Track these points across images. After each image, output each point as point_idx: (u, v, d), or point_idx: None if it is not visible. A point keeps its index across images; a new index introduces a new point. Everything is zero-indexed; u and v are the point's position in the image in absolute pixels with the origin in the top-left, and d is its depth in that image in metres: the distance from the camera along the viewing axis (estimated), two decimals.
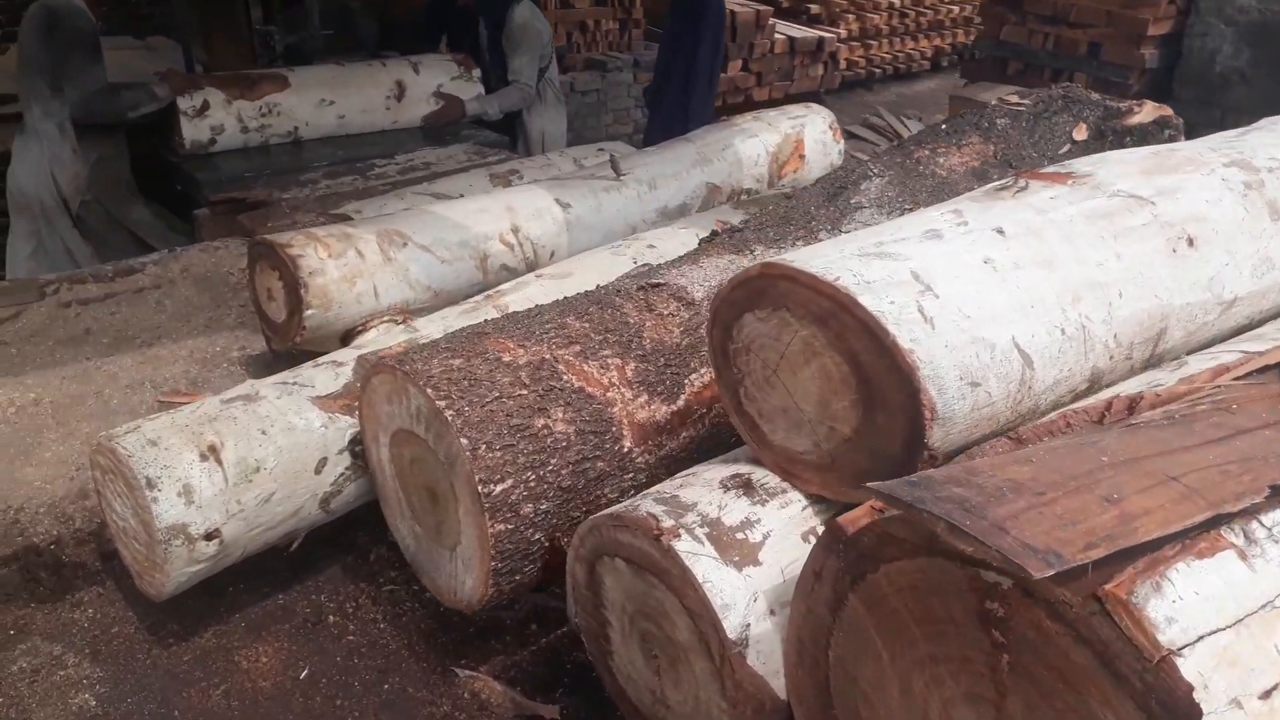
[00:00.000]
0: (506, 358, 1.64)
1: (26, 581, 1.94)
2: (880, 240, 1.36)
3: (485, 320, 1.82)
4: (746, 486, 1.39)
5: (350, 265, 2.36)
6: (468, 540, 1.58)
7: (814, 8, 8.53)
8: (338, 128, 4.03)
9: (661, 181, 3.09)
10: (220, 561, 1.73)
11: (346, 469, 1.86)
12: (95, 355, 2.66)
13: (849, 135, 4.62)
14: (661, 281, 1.89)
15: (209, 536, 1.66)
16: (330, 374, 1.93)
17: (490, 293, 2.34)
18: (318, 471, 1.82)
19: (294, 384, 1.88)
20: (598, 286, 1.97)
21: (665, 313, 1.81)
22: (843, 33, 8.59)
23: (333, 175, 3.60)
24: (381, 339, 2.13)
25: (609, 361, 1.69)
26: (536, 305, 1.90)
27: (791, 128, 3.52)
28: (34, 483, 2.21)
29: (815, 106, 3.76)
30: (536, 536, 1.56)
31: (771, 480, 1.40)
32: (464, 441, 1.50)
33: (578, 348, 1.70)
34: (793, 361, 1.33)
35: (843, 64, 8.57)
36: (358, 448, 1.86)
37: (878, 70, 9.04)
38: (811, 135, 3.55)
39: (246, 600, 1.93)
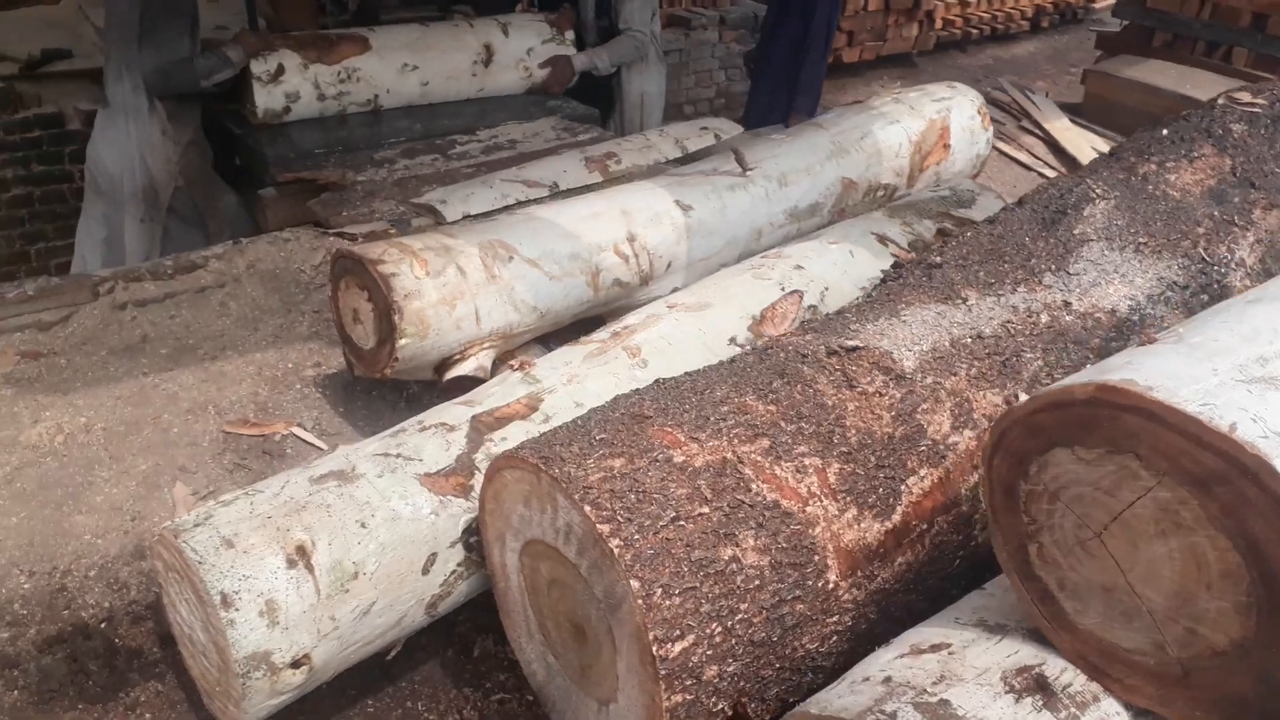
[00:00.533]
0: (679, 457, 1.25)
1: (74, 674, 1.63)
2: (1264, 355, 0.95)
3: (639, 394, 1.43)
4: (1042, 689, 0.99)
5: (450, 285, 1.98)
6: (628, 703, 1.21)
7: None
8: (420, 96, 3.54)
9: (793, 177, 2.65)
10: (307, 689, 1.39)
11: (459, 565, 1.50)
12: (153, 369, 2.33)
13: None
14: (858, 345, 1.48)
15: (296, 664, 1.32)
16: (440, 443, 1.56)
17: (617, 330, 1.95)
18: (425, 571, 1.46)
19: (397, 456, 1.51)
20: (772, 344, 1.57)
21: (869, 390, 1.41)
22: None
23: (411, 154, 3.21)
24: (499, 390, 1.75)
25: (806, 462, 1.30)
26: (700, 372, 1.50)
27: (936, 112, 3.04)
28: (84, 535, 1.89)
29: (960, 86, 3.27)
30: (720, 706, 1.19)
31: (1076, 680, 1.01)
32: (635, 585, 1.13)
33: (766, 442, 1.30)
34: (1136, 529, 0.93)
35: (939, 23, 7.92)
36: (473, 539, 1.50)
37: (974, 30, 8.35)
38: (958, 121, 3.08)
39: (329, 708, 1.60)
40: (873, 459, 1.34)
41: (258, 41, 3.22)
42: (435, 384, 2.10)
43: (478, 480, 1.50)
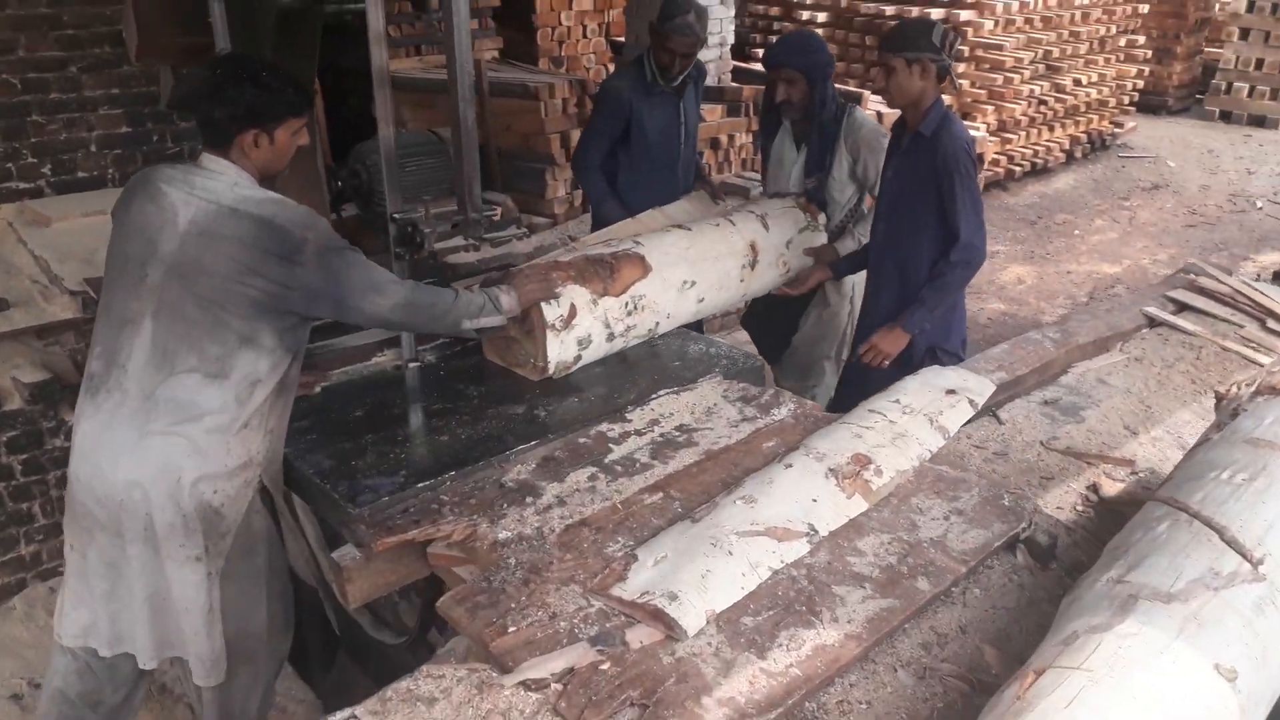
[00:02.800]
0: None
1: None
2: None
3: None
4: None
5: None
6: None
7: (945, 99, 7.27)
8: (694, 314, 2.91)
9: None
10: None
11: None
12: None
13: (1151, 322, 3.24)
14: None
15: None
16: None
17: None
18: None
19: None
20: None
21: None
22: (981, 128, 7.34)
23: (553, 468, 2.12)
24: None
25: None
26: None
27: None
28: None
29: None
30: None
31: None
32: None
33: None
34: None
35: (984, 164, 7.30)
36: None
37: (1016, 168, 7.78)
38: None
39: None
40: None
41: (538, 284, 2.43)
42: None
43: None
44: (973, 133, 7.05)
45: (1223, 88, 10.25)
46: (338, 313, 2.08)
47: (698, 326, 3.31)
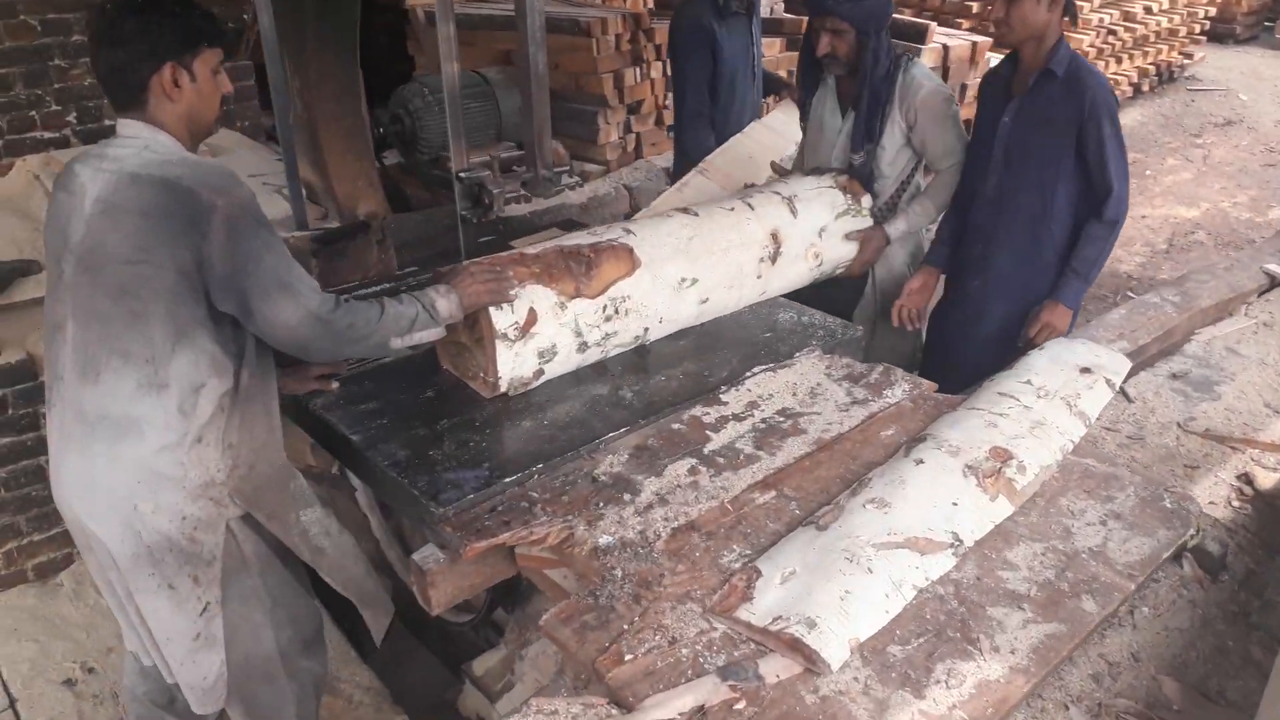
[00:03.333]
0: None
1: None
2: None
3: None
4: None
5: None
6: None
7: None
8: (696, 317, 2.39)
9: None
10: None
11: None
12: None
13: (1273, 281, 2.94)
14: None
15: None
16: None
17: None
18: None
19: None
20: None
21: None
22: None
23: (648, 459, 1.90)
24: None
25: None
26: None
27: None
28: None
29: None
30: None
31: None
32: None
33: None
34: None
35: None
36: None
37: None
38: None
39: None
40: None
41: (486, 283, 1.94)
42: None
43: None
44: None
45: None
46: (242, 313, 1.67)
47: None
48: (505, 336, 1.99)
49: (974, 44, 5.92)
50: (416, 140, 4.18)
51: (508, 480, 1.87)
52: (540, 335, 2.04)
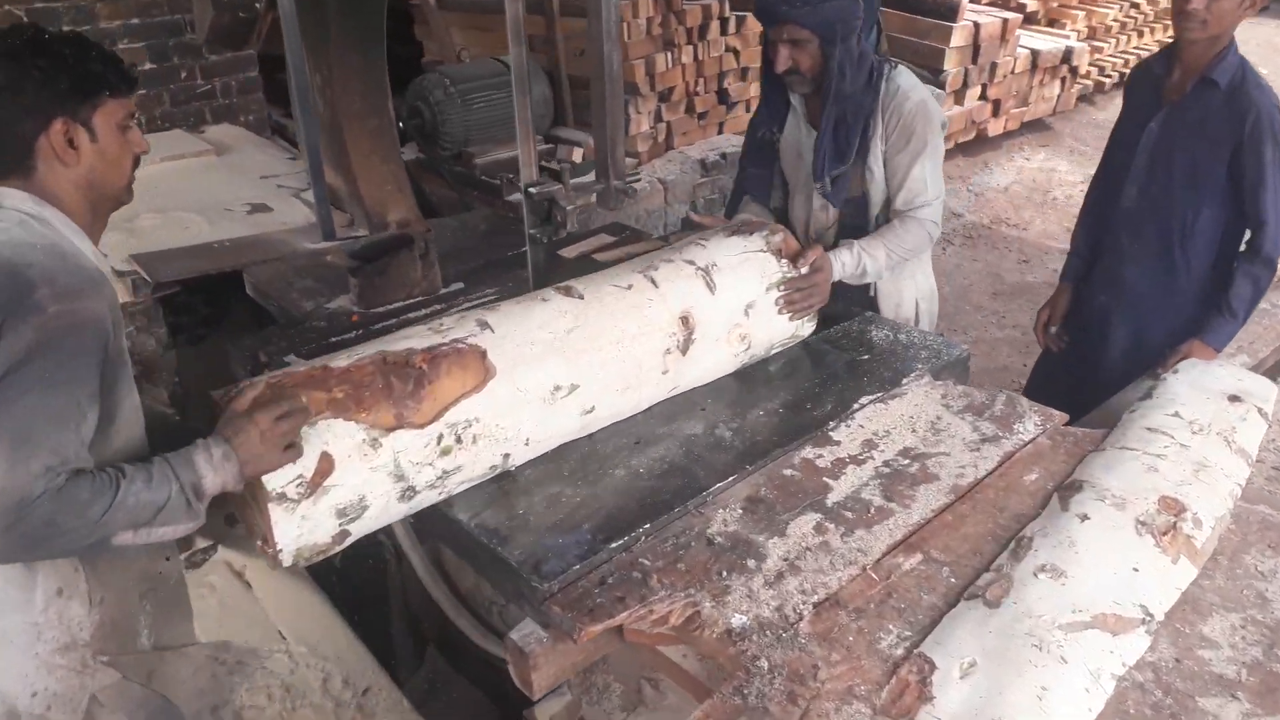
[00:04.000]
0: None
1: None
2: None
3: None
4: None
5: None
6: None
7: (1029, 3, 6.57)
8: (581, 429, 1.86)
9: None
10: None
11: None
12: None
13: None
14: None
15: None
16: None
17: None
18: None
19: None
20: None
21: None
22: (1072, 36, 6.69)
23: (743, 544, 1.69)
24: None
25: None
26: None
27: None
28: None
29: None
30: None
31: None
32: None
33: None
34: None
35: (1083, 71, 6.68)
36: None
37: (1105, 79, 7.13)
38: None
39: None
40: None
41: (279, 426, 1.43)
42: None
43: None
44: (1072, 44, 6.39)
45: None
46: None
47: None
48: (284, 497, 1.47)
49: (1004, 20, 5.69)
50: (438, 135, 3.91)
51: (614, 546, 1.65)
52: (341, 487, 1.52)
